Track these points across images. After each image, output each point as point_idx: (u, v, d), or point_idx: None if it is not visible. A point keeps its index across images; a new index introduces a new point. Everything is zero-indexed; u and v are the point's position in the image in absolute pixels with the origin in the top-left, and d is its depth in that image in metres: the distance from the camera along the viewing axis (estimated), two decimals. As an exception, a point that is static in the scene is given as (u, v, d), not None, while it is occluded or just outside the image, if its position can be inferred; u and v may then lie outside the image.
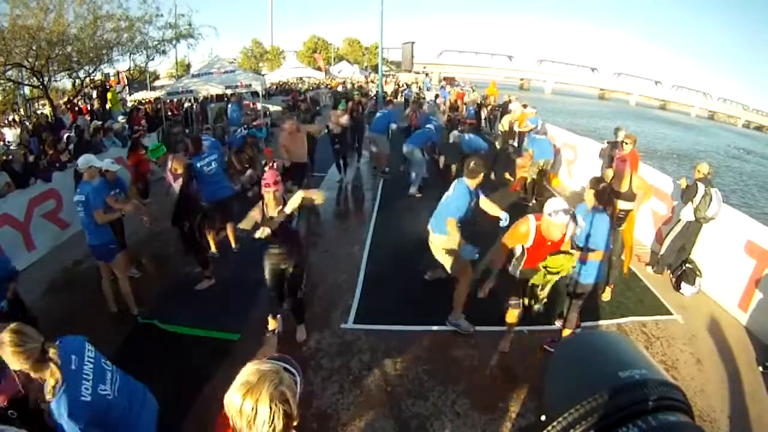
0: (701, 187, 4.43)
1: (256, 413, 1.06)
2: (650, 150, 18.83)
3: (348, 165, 8.32)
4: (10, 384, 1.82)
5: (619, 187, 4.21)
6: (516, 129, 8.90)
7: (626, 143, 5.73)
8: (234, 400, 1.08)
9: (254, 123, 10.46)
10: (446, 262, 3.78)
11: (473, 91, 17.98)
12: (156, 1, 11.99)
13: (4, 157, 6.30)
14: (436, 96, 15.46)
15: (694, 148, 24.39)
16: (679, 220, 4.73)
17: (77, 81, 12.35)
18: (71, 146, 7.27)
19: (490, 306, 4.14)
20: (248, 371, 1.12)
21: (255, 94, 14.24)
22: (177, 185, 4.43)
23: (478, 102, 13.69)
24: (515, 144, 9.56)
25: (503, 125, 8.65)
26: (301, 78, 27.04)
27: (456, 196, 3.67)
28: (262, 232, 3.11)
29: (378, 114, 8.74)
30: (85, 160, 4.05)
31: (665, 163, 16.31)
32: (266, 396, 1.06)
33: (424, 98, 15.28)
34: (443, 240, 3.71)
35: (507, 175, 8.37)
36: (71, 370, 1.71)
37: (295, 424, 1.15)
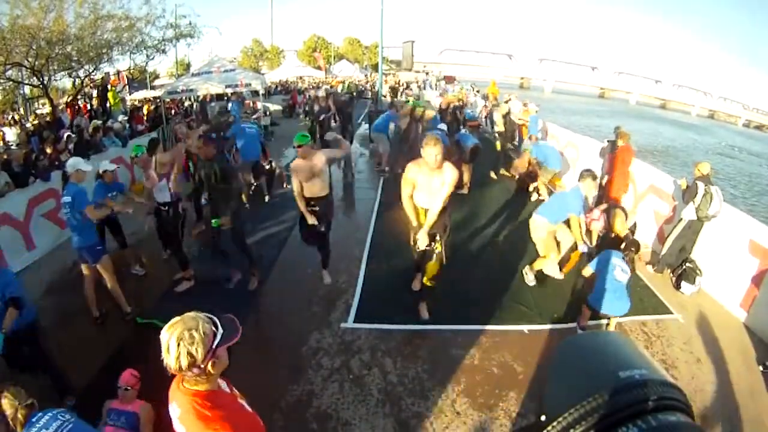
0: (701, 186, 4.44)
1: (168, 346, 1.30)
2: (642, 148, 18.84)
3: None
4: None
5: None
6: (516, 126, 8.92)
7: (615, 140, 5.87)
8: (162, 333, 1.33)
9: (253, 117, 10.48)
10: (540, 241, 4.46)
11: (475, 91, 17.94)
12: (162, 1, 12.00)
13: (5, 157, 6.31)
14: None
15: (690, 146, 24.42)
16: (681, 219, 4.72)
17: (77, 80, 12.36)
18: (71, 146, 7.27)
19: (490, 306, 4.16)
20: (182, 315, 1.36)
21: (255, 93, 14.25)
22: (159, 186, 4.31)
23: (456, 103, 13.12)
24: (516, 143, 9.57)
25: (497, 123, 8.70)
26: (301, 77, 27.06)
27: (574, 195, 4.17)
28: None
29: (382, 115, 9.05)
30: (73, 163, 4.06)
31: (651, 159, 16.34)
32: (176, 335, 1.29)
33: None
34: (545, 224, 4.37)
35: (503, 172, 8.40)
36: None
37: (213, 372, 1.35)
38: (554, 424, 0.53)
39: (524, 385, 3.20)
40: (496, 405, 3.02)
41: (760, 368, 3.47)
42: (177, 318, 1.34)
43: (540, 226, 4.42)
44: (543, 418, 0.55)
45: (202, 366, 1.32)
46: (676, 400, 0.51)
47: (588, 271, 3.71)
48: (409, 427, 2.85)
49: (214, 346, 1.33)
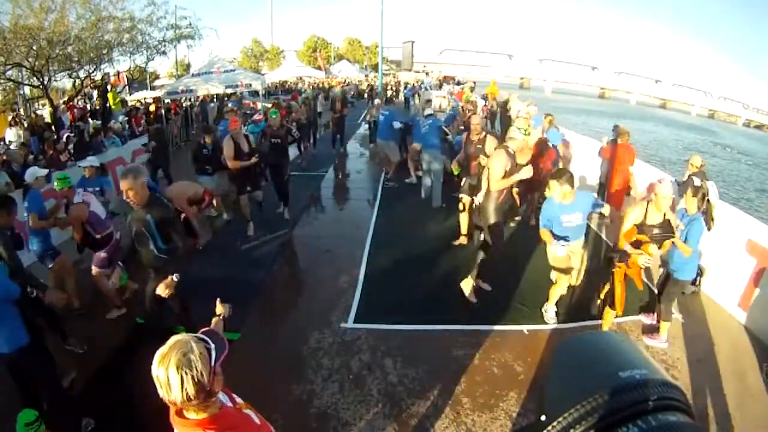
0: (696, 181, 4.45)
1: (168, 379, 1.17)
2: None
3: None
4: None
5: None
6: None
7: (615, 139, 5.90)
8: (153, 370, 1.20)
9: (253, 119, 10.43)
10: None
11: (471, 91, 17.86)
12: (165, 2, 12.03)
13: (5, 158, 6.31)
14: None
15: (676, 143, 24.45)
16: None
17: (77, 81, 12.36)
18: (71, 146, 7.27)
19: (490, 306, 4.15)
20: (165, 344, 1.23)
21: (255, 93, 14.25)
22: None
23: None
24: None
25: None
26: (301, 77, 27.05)
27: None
28: None
29: (380, 117, 8.29)
30: (32, 172, 4.37)
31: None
32: (174, 363, 1.17)
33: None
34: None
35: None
36: None
37: (216, 390, 1.26)
38: (554, 424, 0.52)
39: (524, 385, 3.20)
40: (496, 405, 3.02)
41: (763, 376, 3.43)
42: (164, 348, 1.21)
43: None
44: (543, 418, 0.55)
45: (209, 389, 1.22)
46: (676, 400, 0.51)
47: (690, 247, 3.41)
48: (409, 427, 2.84)
49: (213, 364, 1.25)
